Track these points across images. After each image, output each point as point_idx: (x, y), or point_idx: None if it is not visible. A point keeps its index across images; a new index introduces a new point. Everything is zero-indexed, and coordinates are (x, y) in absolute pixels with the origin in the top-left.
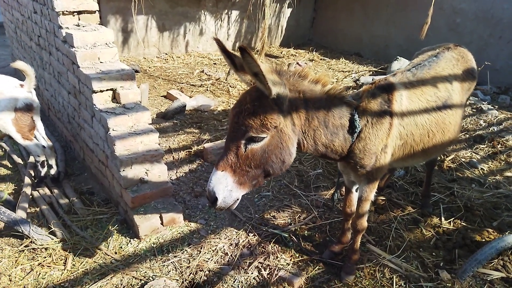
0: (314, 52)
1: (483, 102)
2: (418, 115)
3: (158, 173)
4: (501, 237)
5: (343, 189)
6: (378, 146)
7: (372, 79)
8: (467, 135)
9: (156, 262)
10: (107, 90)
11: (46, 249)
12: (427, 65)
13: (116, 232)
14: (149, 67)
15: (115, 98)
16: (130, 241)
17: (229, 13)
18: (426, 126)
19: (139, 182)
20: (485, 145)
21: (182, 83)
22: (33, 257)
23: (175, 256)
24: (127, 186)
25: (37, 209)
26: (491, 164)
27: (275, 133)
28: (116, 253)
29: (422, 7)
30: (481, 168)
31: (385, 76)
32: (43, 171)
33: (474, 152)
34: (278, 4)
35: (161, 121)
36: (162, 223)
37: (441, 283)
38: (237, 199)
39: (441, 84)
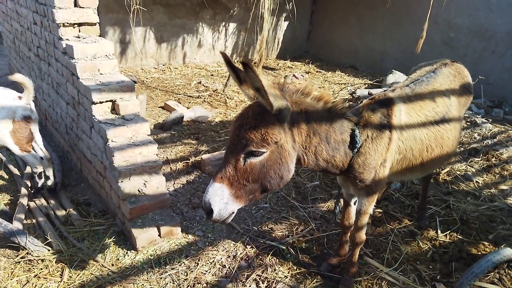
0: (310, 65)
1: (477, 116)
2: (417, 130)
3: (156, 184)
4: (497, 250)
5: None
6: (378, 160)
7: (368, 92)
8: (462, 148)
9: (154, 274)
10: (106, 101)
11: (42, 260)
12: (425, 80)
13: (113, 244)
14: (147, 78)
15: (114, 109)
16: (127, 253)
17: (227, 25)
18: (425, 141)
19: (137, 193)
20: (480, 158)
21: (179, 94)
22: (29, 268)
23: (172, 268)
24: (125, 198)
25: (34, 220)
26: (486, 177)
27: (275, 148)
28: (113, 265)
29: (417, 21)
30: (476, 181)
31: (384, 91)
32: (40, 182)
33: (469, 165)
34: (275, 17)
35: (159, 132)
36: (159, 235)
37: None
38: (233, 213)
39: (439, 99)
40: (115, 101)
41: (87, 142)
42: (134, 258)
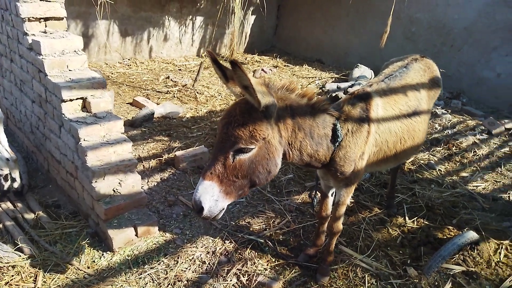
0: (278, 59)
1: (437, 107)
2: (392, 123)
3: (131, 183)
4: (461, 234)
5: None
6: (357, 153)
7: (337, 86)
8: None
9: (132, 274)
10: (77, 99)
11: (13, 267)
12: (398, 75)
13: (88, 246)
14: (112, 73)
15: (85, 107)
16: (103, 254)
17: (194, 19)
18: (399, 134)
19: (112, 193)
20: (441, 148)
21: (147, 90)
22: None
23: (151, 268)
24: (100, 198)
25: (0, 225)
26: (448, 165)
27: (263, 144)
28: (88, 267)
29: (380, 17)
30: (439, 169)
31: (352, 85)
32: (6, 185)
33: (431, 154)
34: (243, 11)
35: (129, 129)
36: (136, 235)
37: (409, 280)
38: (223, 209)
39: (411, 93)
40: (86, 98)
41: (56, 141)
42: (111, 259)
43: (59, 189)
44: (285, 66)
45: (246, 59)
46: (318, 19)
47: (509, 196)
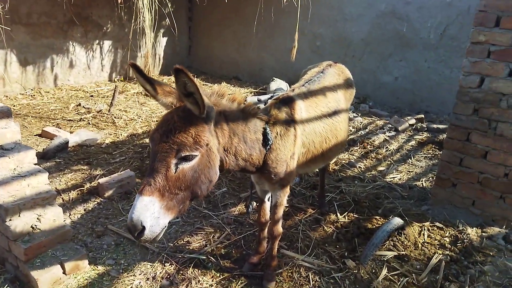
0: (195, 79)
1: (349, 111)
2: (315, 124)
3: (52, 217)
4: (388, 221)
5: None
6: (288, 154)
7: (257, 99)
8: None
9: None
10: None
11: None
12: (316, 80)
13: None
14: (14, 106)
15: None
16: None
17: (101, 43)
18: (323, 134)
19: (30, 230)
20: (358, 147)
21: (57, 119)
22: None
23: None
24: (17, 238)
25: None
26: (366, 162)
27: (205, 151)
28: None
29: (287, 34)
30: (359, 167)
31: (271, 96)
32: None
33: (350, 154)
34: (153, 33)
35: (41, 161)
36: (64, 272)
37: (349, 271)
38: (165, 227)
39: (330, 95)
40: None
41: None
42: None
43: None
44: (203, 85)
45: (163, 80)
46: (230, 39)
47: (422, 183)
